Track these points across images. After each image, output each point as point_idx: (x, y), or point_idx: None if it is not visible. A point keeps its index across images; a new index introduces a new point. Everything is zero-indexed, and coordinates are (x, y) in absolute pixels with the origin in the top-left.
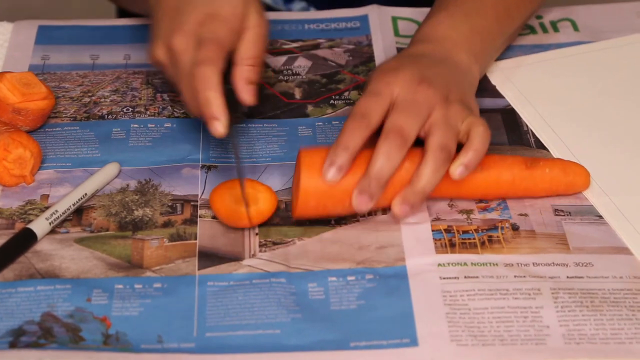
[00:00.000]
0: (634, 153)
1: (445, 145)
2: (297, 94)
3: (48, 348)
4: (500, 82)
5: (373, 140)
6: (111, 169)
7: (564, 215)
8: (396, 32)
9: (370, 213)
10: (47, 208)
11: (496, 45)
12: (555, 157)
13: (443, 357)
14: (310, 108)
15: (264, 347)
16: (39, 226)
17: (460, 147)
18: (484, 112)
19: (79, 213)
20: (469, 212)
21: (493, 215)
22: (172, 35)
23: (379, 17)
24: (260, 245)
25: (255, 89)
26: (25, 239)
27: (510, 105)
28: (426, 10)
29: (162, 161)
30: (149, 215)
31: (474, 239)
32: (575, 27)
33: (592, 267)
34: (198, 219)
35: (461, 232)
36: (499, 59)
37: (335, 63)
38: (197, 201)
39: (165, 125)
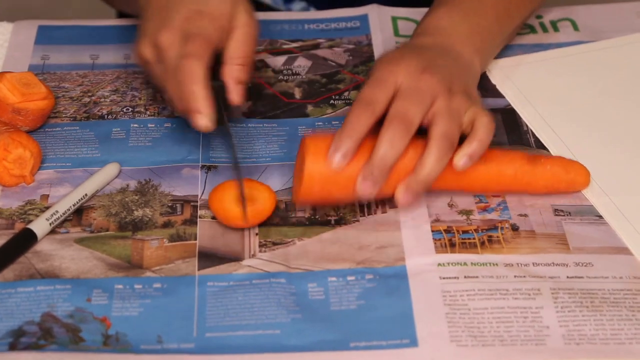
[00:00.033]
0: (634, 153)
1: (449, 134)
2: (297, 93)
3: (48, 350)
4: (500, 80)
5: (377, 127)
6: (111, 169)
7: (564, 216)
8: (396, 32)
9: (370, 213)
10: (47, 208)
11: (496, 43)
12: None
13: (443, 358)
14: (310, 108)
15: (264, 347)
16: (39, 226)
17: (463, 138)
18: None
19: (79, 213)
20: (468, 212)
21: (493, 215)
22: (158, 32)
23: (378, 17)
24: (260, 246)
25: (244, 88)
26: (25, 239)
27: (510, 105)
28: (425, 10)
29: (162, 161)
30: (149, 216)
31: (474, 239)
32: (575, 27)
33: (592, 267)
34: (198, 219)
35: (461, 232)
36: (498, 57)
37: (335, 63)
38: (197, 201)
39: (165, 125)
